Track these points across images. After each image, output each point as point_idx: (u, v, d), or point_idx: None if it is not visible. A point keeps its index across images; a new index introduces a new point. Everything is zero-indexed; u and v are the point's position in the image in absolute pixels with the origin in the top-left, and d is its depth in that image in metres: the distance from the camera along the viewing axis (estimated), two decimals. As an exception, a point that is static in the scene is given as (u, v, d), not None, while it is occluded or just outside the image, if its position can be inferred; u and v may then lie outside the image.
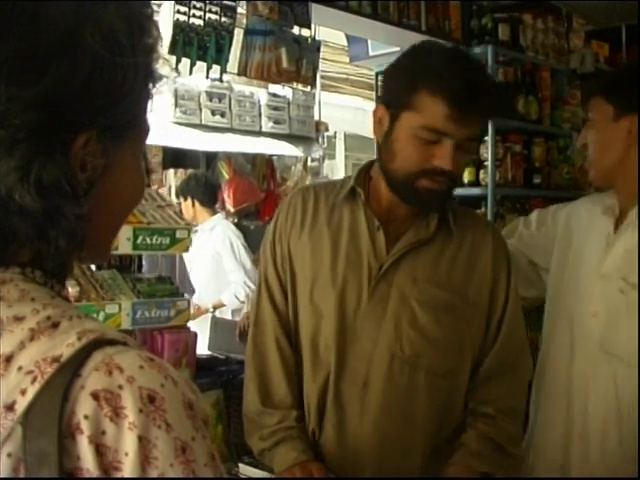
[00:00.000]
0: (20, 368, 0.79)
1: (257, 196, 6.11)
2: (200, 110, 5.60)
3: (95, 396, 0.79)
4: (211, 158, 6.13)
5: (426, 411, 2.06)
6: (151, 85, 0.99)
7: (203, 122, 5.62)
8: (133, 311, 2.44)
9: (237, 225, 5.99)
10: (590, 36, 5.26)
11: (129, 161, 0.99)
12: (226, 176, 6.03)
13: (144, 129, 1.01)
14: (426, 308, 2.04)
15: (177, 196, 5.56)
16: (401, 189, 2.05)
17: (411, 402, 2.05)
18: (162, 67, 1.01)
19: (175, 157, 5.95)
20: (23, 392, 0.78)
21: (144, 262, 3.05)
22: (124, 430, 0.78)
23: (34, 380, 0.78)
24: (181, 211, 5.27)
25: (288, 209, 2.19)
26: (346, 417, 2.05)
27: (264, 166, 6.33)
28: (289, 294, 2.14)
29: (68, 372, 0.79)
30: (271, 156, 6.31)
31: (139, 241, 2.43)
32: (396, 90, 2.03)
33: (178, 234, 2.52)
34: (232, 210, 5.95)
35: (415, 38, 4.36)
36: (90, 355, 0.81)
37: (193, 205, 5.50)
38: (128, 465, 0.78)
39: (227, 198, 5.95)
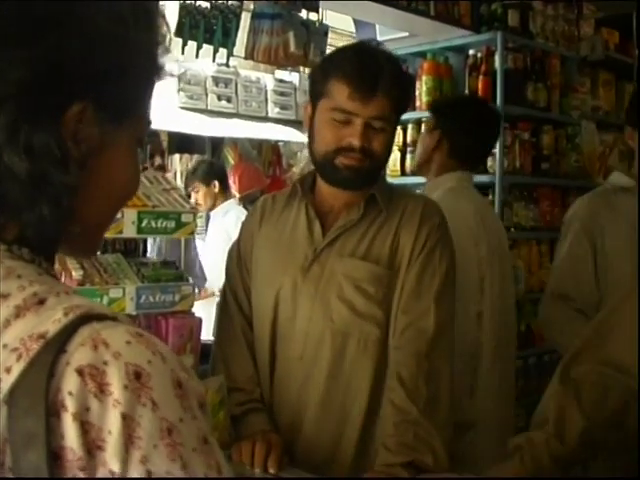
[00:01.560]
0: (5, 346, 0.78)
1: (263, 182, 6.08)
2: (206, 95, 5.56)
3: (80, 372, 0.76)
4: (217, 143, 6.10)
5: (361, 376, 2.17)
6: (155, 76, 0.99)
7: (209, 107, 5.59)
8: (137, 296, 2.41)
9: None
10: (600, 23, 5.23)
11: (126, 147, 0.98)
12: (232, 162, 6.01)
13: (144, 119, 1.01)
14: (350, 280, 2.17)
15: (192, 182, 5.54)
16: (323, 169, 2.24)
17: (346, 368, 2.17)
18: (167, 61, 1.01)
19: (181, 142, 5.92)
20: (8, 370, 0.77)
21: (152, 248, 3.03)
22: (108, 407, 0.76)
23: (19, 358, 0.77)
24: (189, 195, 5.26)
25: (253, 213, 2.46)
26: (288, 389, 2.23)
27: (270, 152, 6.30)
28: (249, 287, 2.35)
29: (54, 348, 0.77)
30: (277, 142, 6.28)
31: (144, 224, 2.40)
32: (315, 84, 2.25)
33: (183, 218, 2.50)
34: (237, 196, 5.92)
35: (424, 23, 4.35)
36: (77, 330, 0.79)
37: (218, 189, 5.50)
38: (111, 444, 0.75)
39: (233, 184, 5.92)
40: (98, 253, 2.47)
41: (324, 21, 3.85)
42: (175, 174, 5.83)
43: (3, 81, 0.83)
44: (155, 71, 0.99)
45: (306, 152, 6.57)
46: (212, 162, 5.78)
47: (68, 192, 0.89)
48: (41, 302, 0.82)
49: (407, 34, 4.73)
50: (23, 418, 0.75)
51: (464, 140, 3.23)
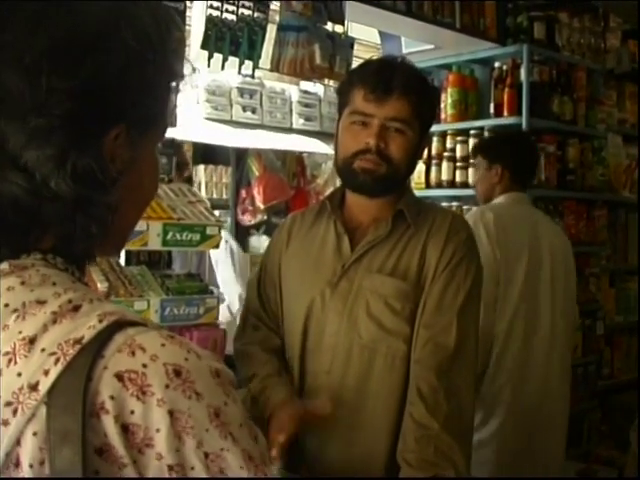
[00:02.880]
0: (43, 350, 0.82)
1: (287, 193, 6.06)
2: (231, 106, 5.56)
3: (119, 377, 0.81)
4: (241, 154, 6.10)
5: (388, 391, 2.16)
6: (174, 83, 1.02)
7: (234, 118, 5.59)
8: (162, 308, 2.42)
9: (266, 222, 5.97)
10: (627, 35, 5.21)
11: (150, 156, 1.03)
12: (256, 173, 5.99)
13: (164, 126, 1.04)
14: (377, 296, 2.16)
15: None
16: (343, 175, 2.26)
17: (373, 384, 2.16)
18: (185, 66, 1.04)
19: (205, 153, 5.94)
20: (46, 373, 0.81)
21: (177, 259, 3.03)
22: (153, 407, 0.81)
23: (57, 361, 0.81)
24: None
25: (280, 231, 2.44)
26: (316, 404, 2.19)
27: (294, 163, 6.28)
28: (277, 302, 2.34)
29: (90, 353, 0.81)
30: (301, 153, 6.26)
31: (169, 237, 2.41)
32: (340, 96, 2.30)
33: (208, 230, 2.51)
34: (262, 207, 5.92)
35: (449, 35, 4.35)
36: (112, 337, 0.83)
37: None
38: (161, 440, 0.81)
39: (257, 195, 5.91)
40: (123, 265, 2.49)
41: (349, 33, 3.85)
42: (200, 185, 5.84)
43: (48, 114, 0.85)
44: (174, 79, 1.02)
45: (330, 163, 6.58)
46: None
47: (111, 211, 0.94)
48: (76, 309, 0.86)
49: (432, 46, 4.74)
50: (60, 416, 0.79)
51: (521, 168, 3.68)
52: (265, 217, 6.02)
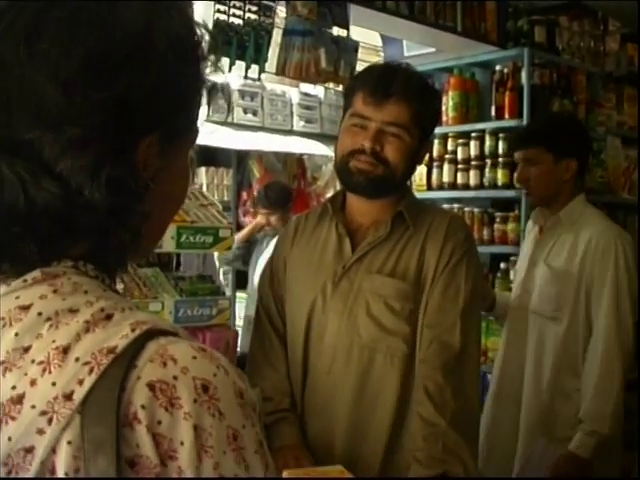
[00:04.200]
0: (77, 359, 0.82)
1: (288, 195, 6.11)
2: (232, 108, 5.58)
3: (151, 387, 0.81)
4: (242, 157, 6.13)
5: (387, 390, 2.20)
6: (204, 91, 1.02)
7: (235, 120, 5.61)
8: (176, 309, 2.45)
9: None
10: (625, 39, 5.24)
11: (181, 163, 1.03)
12: (257, 175, 6.04)
13: (195, 132, 1.04)
14: (377, 296, 2.20)
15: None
16: (340, 174, 2.30)
17: (373, 383, 2.20)
18: (214, 74, 1.03)
19: (206, 155, 5.96)
20: (80, 382, 0.80)
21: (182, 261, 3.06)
22: (179, 420, 0.81)
23: (91, 371, 0.81)
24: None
25: (286, 232, 2.49)
26: (317, 402, 2.27)
27: (295, 165, 6.33)
28: (284, 304, 2.38)
29: (123, 363, 0.81)
30: (302, 155, 6.30)
31: (182, 239, 2.44)
32: (344, 100, 2.35)
33: (221, 233, 2.53)
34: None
35: (450, 39, 4.39)
36: (144, 346, 0.83)
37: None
38: (184, 454, 0.80)
39: (258, 197, 5.95)
40: (136, 267, 2.52)
41: (351, 37, 3.87)
42: (201, 187, 5.87)
43: (83, 124, 0.86)
44: (205, 87, 1.02)
45: (330, 165, 6.61)
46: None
47: (144, 219, 0.94)
48: (108, 317, 0.86)
49: (434, 50, 4.77)
50: (94, 426, 0.79)
51: (587, 162, 3.40)
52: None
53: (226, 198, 6.06)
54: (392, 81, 2.19)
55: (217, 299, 2.57)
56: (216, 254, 5.42)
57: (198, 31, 0.98)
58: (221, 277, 6.11)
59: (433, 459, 2.07)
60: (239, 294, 5.91)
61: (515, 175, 3.44)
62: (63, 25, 0.87)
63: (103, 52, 0.87)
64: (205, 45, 1.00)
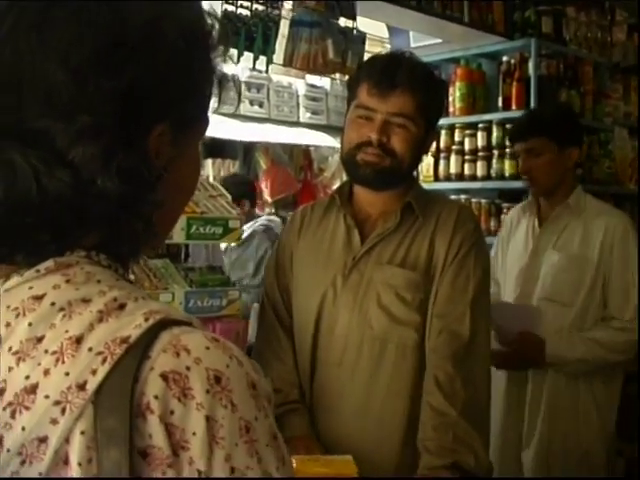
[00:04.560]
0: (90, 349, 0.81)
1: (294, 186, 6.11)
2: (239, 100, 5.58)
3: (164, 377, 0.81)
4: (249, 148, 6.13)
5: (400, 381, 2.19)
6: (216, 81, 1.02)
7: (241, 112, 5.62)
8: (186, 300, 2.45)
9: (274, 215, 6.00)
10: (633, 29, 5.23)
11: (192, 152, 1.03)
12: (264, 166, 6.04)
13: (206, 122, 1.04)
14: (388, 288, 2.19)
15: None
16: (347, 167, 2.29)
17: (384, 374, 2.19)
18: (226, 64, 1.03)
19: (213, 147, 5.95)
20: (94, 372, 0.80)
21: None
22: (192, 410, 0.80)
23: (104, 361, 0.80)
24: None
25: (292, 224, 2.47)
26: (327, 395, 2.26)
27: (301, 157, 6.33)
28: (290, 296, 2.37)
29: (137, 353, 0.81)
30: (308, 146, 6.30)
31: (192, 230, 2.44)
32: (349, 91, 2.35)
33: (230, 224, 2.54)
34: (269, 200, 5.96)
35: (457, 30, 4.38)
36: (157, 336, 0.83)
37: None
38: (196, 445, 0.80)
39: (265, 188, 5.96)
40: (146, 258, 2.52)
41: (358, 28, 3.88)
42: (207, 179, 5.87)
43: (95, 113, 0.86)
44: (216, 77, 1.02)
45: (337, 157, 6.61)
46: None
47: (156, 208, 0.93)
48: (121, 307, 0.86)
49: (440, 41, 4.76)
50: (107, 417, 0.79)
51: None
52: (273, 210, 6.07)
53: (232, 190, 6.05)
54: (396, 71, 2.18)
55: (227, 290, 2.57)
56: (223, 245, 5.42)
57: (209, 20, 0.99)
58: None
59: (444, 449, 2.07)
60: (246, 285, 5.92)
61: (519, 168, 3.43)
62: (74, 13, 0.87)
63: (114, 39, 0.87)
64: (216, 34, 0.99)
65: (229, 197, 2.66)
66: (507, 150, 4.50)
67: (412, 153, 2.21)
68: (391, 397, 2.20)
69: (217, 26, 1.00)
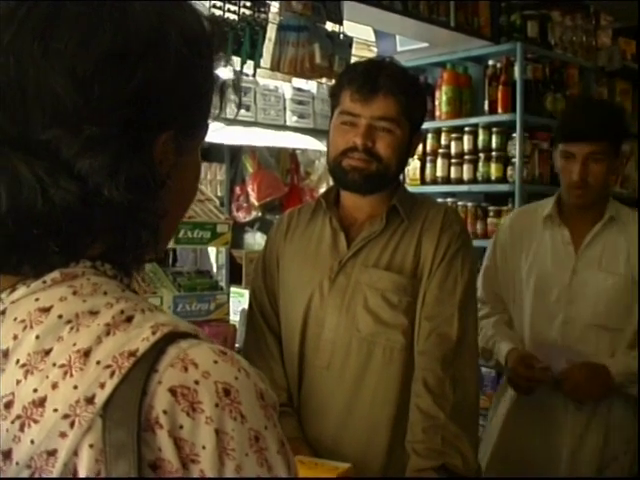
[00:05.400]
0: (98, 362, 0.82)
1: (281, 190, 6.08)
2: (225, 103, 5.57)
3: (173, 392, 0.81)
4: (235, 152, 6.11)
5: (387, 384, 2.21)
6: (217, 87, 1.02)
7: (228, 115, 5.58)
8: (174, 304, 2.46)
9: (261, 219, 6.00)
10: (618, 33, 5.27)
11: (193, 159, 1.03)
12: (250, 170, 6.00)
13: (207, 128, 1.04)
14: (374, 290, 2.21)
15: None
16: (334, 173, 2.31)
17: (372, 377, 2.21)
18: (224, 69, 1.04)
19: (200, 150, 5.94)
20: (102, 385, 0.80)
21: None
22: (201, 424, 0.81)
23: (112, 374, 0.81)
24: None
25: (278, 227, 2.47)
26: (315, 398, 2.26)
27: (288, 160, 6.30)
28: (277, 299, 2.38)
29: (145, 366, 0.81)
30: (295, 150, 6.28)
31: (181, 235, 2.45)
32: (332, 98, 2.37)
33: (219, 228, 2.55)
34: (256, 204, 5.94)
35: (443, 34, 4.40)
36: (165, 350, 0.83)
37: None
38: (206, 458, 0.81)
39: (251, 192, 5.93)
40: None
41: (344, 32, 3.88)
42: (194, 182, 5.85)
43: (102, 122, 0.85)
44: (216, 83, 1.02)
45: (324, 160, 6.59)
46: None
47: (161, 217, 0.93)
48: (128, 320, 0.86)
49: (427, 45, 4.78)
50: (116, 430, 0.79)
51: None
52: (260, 214, 6.04)
53: (219, 193, 6.03)
54: (378, 76, 2.20)
55: (215, 294, 2.58)
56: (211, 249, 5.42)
57: (208, 26, 0.98)
58: (215, 272, 6.11)
59: (432, 451, 2.09)
60: (233, 289, 5.91)
61: (573, 174, 2.81)
62: (78, 22, 0.86)
63: (119, 48, 0.86)
64: (216, 40, 1.00)
65: (217, 201, 2.66)
66: (493, 153, 4.52)
67: (398, 156, 2.23)
68: (378, 400, 2.21)
69: (217, 31, 1.00)
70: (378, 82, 2.19)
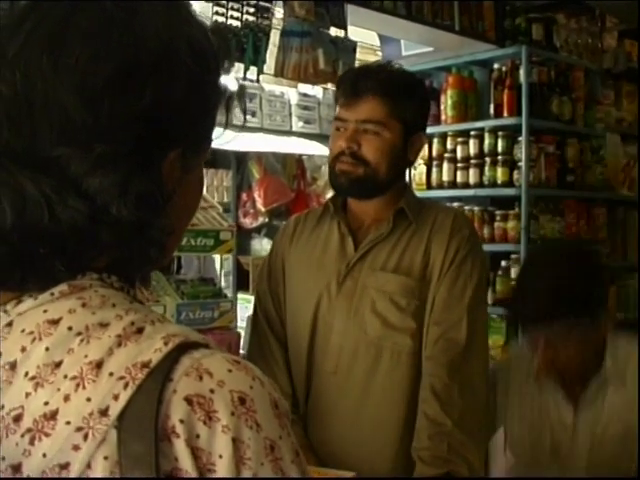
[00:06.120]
0: (111, 374, 0.80)
1: (288, 196, 6.08)
2: (231, 118, 5.58)
3: (189, 401, 0.80)
4: (241, 158, 6.12)
5: (395, 388, 2.19)
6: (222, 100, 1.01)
7: (234, 122, 5.59)
8: (178, 312, 2.45)
9: (267, 225, 5.99)
10: (623, 35, 5.25)
11: (197, 174, 1.02)
12: (257, 176, 6.01)
13: (210, 142, 1.03)
14: (382, 294, 2.20)
15: None
16: (329, 179, 2.32)
17: (379, 381, 2.19)
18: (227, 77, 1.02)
19: (206, 157, 5.93)
20: (116, 397, 0.79)
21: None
22: (217, 433, 0.80)
23: (126, 386, 0.80)
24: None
25: (284, 232, 2.47)
26: (323, 403, 2.25)
27: (294, 166, 6.29)
28: (282, 303, 2.36)
29: (159, 377, 0.80)
30: (301, 156, 6.28)
31: (183, 242, 2.44)
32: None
33: (222, 236, 2.54)
34: (263, 210, 5.94)
35: (448, 38, 4.39)
36: (178, 360, 0.82)
37: None
38: (223, 467, 0.80)
39: (258, 198, 5.93)
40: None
41: (349, 36, 3.87)
42: (201, 189, 5.84)
43: (113, 140, 0.84)
44: (222, 97, 1.01)
45: (330, 165, 6.60)
46: None
47: (168, 233, 0.92)
48: (139, 331, 0.85)
49: (432, 49, 4.77)
50: (132, 442, 0.78)
51: None
52: (266, 220, 6.04)
53: (226, 199, 6.03)
54: (363, 81, 2.21)
55: (219, 302, 2.57)
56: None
57: (214, 39, 0.97)
58: (222, 279, 6.10)
59: (438, 458, 2.08)
60: (240, 295, 5.90)
61: None
62: (88, 36, 0.85)
63: (129, 64, 0.85)
64: (222, 54, 0.98)
65: (220, 208, 2.66)
66: (499, 157, 4.51)
67: (388, 159, 2.21)
68: (386, 404, 2.20)
69: (223, 45, 0.99)
70: (361, 86, 2.20)
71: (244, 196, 6.09)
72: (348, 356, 2.21)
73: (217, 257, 5.81)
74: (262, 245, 5.96)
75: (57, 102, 0.84)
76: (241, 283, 5.90)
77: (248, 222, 6.05)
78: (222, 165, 6.12)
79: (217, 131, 1.03)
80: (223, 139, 1.02)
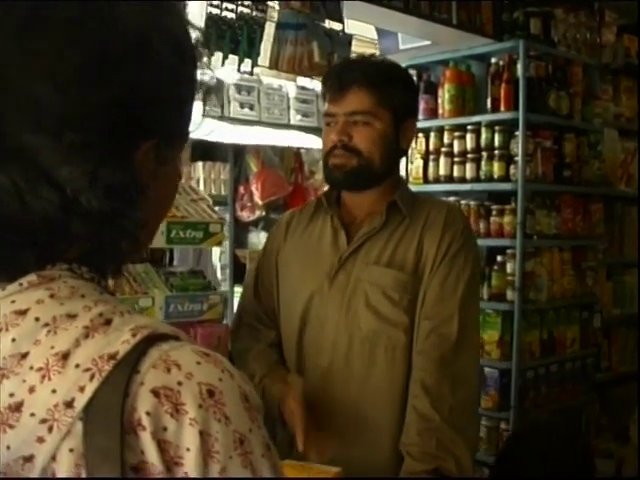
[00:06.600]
0: (77, 365, 0.80)
1: (285, 189, 6.09)
2: (229, 103, 5.58)
3: (155, 393, 0.79)
4: (239, 151, 6.12)
5: (390, 382, 2.18)
6: (199, 93, 1.01)
7: (232, 115, 5.60)
8: (166, 305, 2.45)
9: (265, 218, 6.00)
10: (622, 30, 5.23)
11: (173, 167, 1.01)
12: (254, 169, 6.02)
13: (187, 135, 1.02)
14: (376, 287, 2.19)
15: None
16: (324, 174, 2.34)
17: (374, 376, 2.18)
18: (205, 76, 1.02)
19: (203, 150, 5.93)
20: (82, 389, 0.79)
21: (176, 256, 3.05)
22: (185, 426, 0.79)
23: (92, 377, 0.79)
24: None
25: (278, 228, 2.47)
26: (317, 399, 2.18)
27: (292, 159, 6.30)
28: (275, 301, 2.38)
29: (126, 369, 0.80)
30: (299, 149, 6.28)
31: (173, 235, 2.43)
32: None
33: (211, 228, 2.53)
34: (260, 203, 5.94)
35: (446, 32, 4.37)
36: (146, 352, 0.81)
37: None
38: (190, 460, 0.79)
39: (255, 191, 5.94)
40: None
41: (346, 29, 3.86)
42: (198, 182, 5.84)
43: (83, 129, 0.83)
44: (197, 90, 1.00)
45: (328, 159, 6.58)
46: None
47: (142, 226, 0.92)
48: (107, 322, 0.84)
49: (429, 42, 4.75)
50: (98, 434, 0.78)
51: None
52: (264, 213, 6.05)
53: (223, 192, 6.05)
54: (348, 74, 2.23)
55: (208, 294, 2.57)
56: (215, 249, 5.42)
57: (193, 32, 0.97)
58: (219, 272, 6.11)
59: (426, 454, 2.07)
60: (237, 288, 5.91)
61: None
62: (60, 23, 0.84)
63: (101, 52, 0.84)
64: (199, 46, 0.98)
65: (210, 201, 2.65)
66: (496, 152, 4.49)
67: (380, 148, 2.22)
68: (382, 398, 2.19)
69: (200, 37, 0.99)
70: (346, 79, 2.22)
71: (241, 189, 6.09)
72: (342, 351, 2.20)
73: (215, 250, 5.85)
74: (259, 238, 5.97)
75: (27, 89, 0.83)
76: (238, 276, 5.90)
77: (245, 215, 6.06)
78: (220, 158, 6.12)
79: (194, 123, 1.02)
80: (204, 130, 1.01)
